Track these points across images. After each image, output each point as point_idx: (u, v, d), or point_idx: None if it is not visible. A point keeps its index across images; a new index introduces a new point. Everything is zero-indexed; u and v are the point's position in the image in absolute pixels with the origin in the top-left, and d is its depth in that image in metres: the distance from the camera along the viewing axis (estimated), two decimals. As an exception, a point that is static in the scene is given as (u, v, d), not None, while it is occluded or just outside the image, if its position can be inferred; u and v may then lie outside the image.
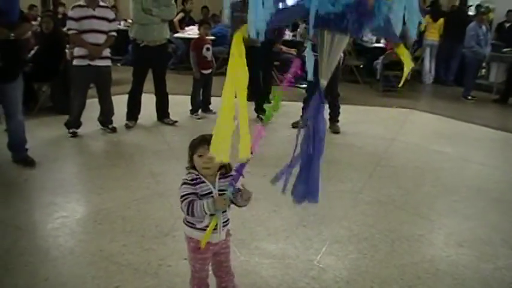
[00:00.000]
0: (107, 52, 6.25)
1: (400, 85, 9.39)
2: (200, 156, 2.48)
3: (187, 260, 2.72)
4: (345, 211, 4.45)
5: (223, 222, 2.58)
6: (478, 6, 12.29)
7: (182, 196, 2.47)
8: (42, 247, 3.65)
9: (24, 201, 4.46)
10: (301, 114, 7.08)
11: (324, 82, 2.43)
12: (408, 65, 2.54)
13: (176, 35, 10.59)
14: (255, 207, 4.33)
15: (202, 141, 2.49)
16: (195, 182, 2.48)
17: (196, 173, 2.51)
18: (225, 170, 2.55)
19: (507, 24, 11.49)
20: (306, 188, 2.66)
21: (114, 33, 6.29)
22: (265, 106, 2.47)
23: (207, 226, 2.48)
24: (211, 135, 2.29)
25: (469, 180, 5.42)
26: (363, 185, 5.07)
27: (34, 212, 4.30)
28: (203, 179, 2.49)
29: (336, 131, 6.94)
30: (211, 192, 2.48)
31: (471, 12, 12.32)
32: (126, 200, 4.46)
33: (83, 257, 3.50)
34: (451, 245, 3.95)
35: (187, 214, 2.47)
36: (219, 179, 2.52)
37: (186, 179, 2.51)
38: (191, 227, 2.57)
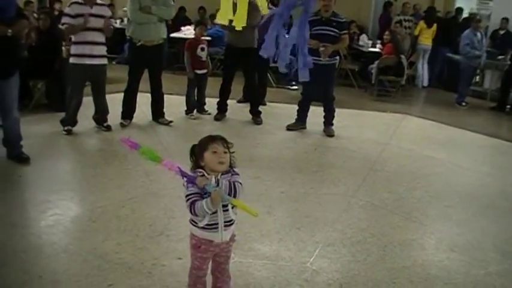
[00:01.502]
0: (103, 50, 6.25)
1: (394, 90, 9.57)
2: (214, 152, 2.51)
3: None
4: (338, 214, 4.47)
5: (226, 222, 2.61)
6: (471, 14, 12.42)
7: (186, 196, 2.52)
8: (36, 244, 3.65)
9: (19, 198, 4.47)
10: (295, 116, 7.14)
11: None
12: None
13: (172, 34, 10.58)
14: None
15: (212, 139, 2.56)
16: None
17: (201, 171, 2.53)
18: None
19: (501, 32, 11.57)
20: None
21: (112, 21, 6.31)
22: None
23: (208, 224, 2.55)
24: (217, 135, 2.50)
25: (461, 186, 5.46)
26: (357, 189, 5.10)
27: (28, 209, 4.30)
28: (207, 176, 2.51)
29: (330, 134, 6.97)
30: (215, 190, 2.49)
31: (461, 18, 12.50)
32: (120, 198, 4.47)
33: (76, 255, 3.51)
34: (443, 249, 3.99)
35: (191, 213, 2.52)
36: (222, 176, 2.54)
37: (192, 176, 2.54)
38: (194, 225, 2.63)
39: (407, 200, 4.95)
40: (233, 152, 2.62)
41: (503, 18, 11.59)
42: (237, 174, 2.59)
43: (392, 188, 5.23)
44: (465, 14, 12.72)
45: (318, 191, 5.02)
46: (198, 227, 2.60)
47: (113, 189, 4.71)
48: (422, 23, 11.34)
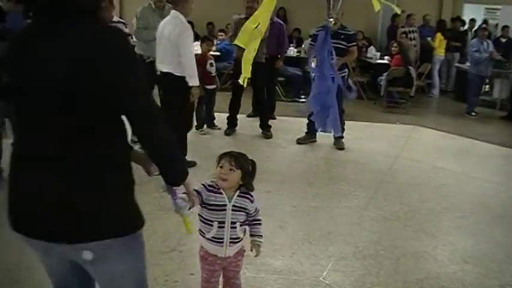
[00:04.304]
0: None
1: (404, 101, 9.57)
2: (221, 167, 2.55)
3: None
4: (350, 228, 4.47)
5: (231, 239, 2.62)
6: (471, 21, 12.48)
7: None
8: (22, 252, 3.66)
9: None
10: (305, 130, 7.14)
11: None
12: None
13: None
14: (261, 223, 4.35)
15: (225, 154, 2.59)
16: (210, 189, 2.56)
17: (217, 182, 2.58)
18: (245, 188, 2.63)
19: (503, 40, 11.61)
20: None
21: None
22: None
23: (214, 237, 2.59)
24: (237, 152, 2.57)
25: (473, 196, 5.44)
26: (368, 202, 5.09)
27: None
28: (221, 190, 2.56)
29: (340, 147, 6.97)
30: (225, 205, 2.56)
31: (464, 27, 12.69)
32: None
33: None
34: (456, 261, 3.97)
35: None
36: (238, 196, 2.60)
37: (206, 183, 2.60)
38: (202, 235, 2.65)
39: (419, 212, 4.94)
40: (250, 171, 2.63)
41: (504, 26, 11.67)
42: (256, 207, 2.68)
43: (403, 200, 5.22)
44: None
45: (330, 204, 5.02)
46: (204, 238, 2.62)
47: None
48: (439, 35, 11.46)
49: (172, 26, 5.28)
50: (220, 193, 2.56)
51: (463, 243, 4.30)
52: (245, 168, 2.58)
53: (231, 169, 2.53)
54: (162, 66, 5.47)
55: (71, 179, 1.72)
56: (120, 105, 1.74)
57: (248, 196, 2.63)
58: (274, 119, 8.23)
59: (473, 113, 9.82)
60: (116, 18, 6.29)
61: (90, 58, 1.65)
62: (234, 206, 2.57)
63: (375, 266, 3.79)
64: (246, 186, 2.62)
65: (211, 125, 7.65)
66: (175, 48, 5.22)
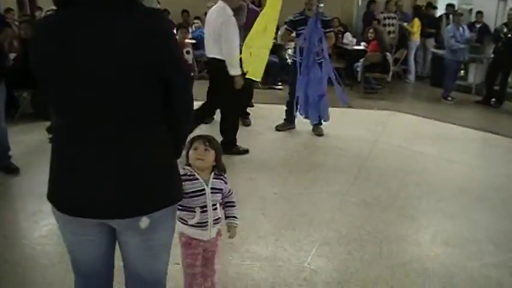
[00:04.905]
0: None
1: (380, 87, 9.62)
2: (195, 149, 2.59)
3: (181, 259, 2.74)
4: (333, 213, 4.48)
5: (214, 220, 2.66)
6: (448, 6, 12.55)
7: None
8: (30, 255, 3.62)
9: (10, 210, 4.42)
10: (284, 117, 7.13)
11: None
12: None
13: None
14: (243, 210, 4.32)
15: (198, 137, 2.64)
16: (186, 177, 2.54)
17: (191, 169, 2.60)
18: (218, 170, 2.68)
19: (477, 25, 11.74)
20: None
21: None
22: None
23: (198, 222, 2.61)
24: (203, 134, 2.65)
25: (452, 179, 5.49)
26: (349, 187, 5.11)
27: (20, 220, 4.26)
28: (197, 175, 2.58)
29: (319, 133, 6.98)
30: (203, 189, 2.58)
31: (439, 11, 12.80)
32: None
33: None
34: (438, 244, 4.01)
35: None
36: (213, 178, 2.64)
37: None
38: (183, 223, 2.65)
39: (400, 196, 4.97)
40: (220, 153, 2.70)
41: (478, 12, 11.82)
42: (229, 189, 2.76)
43: (384, 184, 5.25)
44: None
45: (311, 190, 5.02)
46: (187, 225, 2.64)
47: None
48: (417, 20, 11.55)
49: (215, 15, 5.68)
50: (196, 179, 2.58)
51: (443, 226, 4.34)
52: (218, 149, 2.66)
53: (206, 149, 2.59)
54: (209, 52, 5.89)
55: (129, 156, 1.85)
56: (167, 77, 1.86)
57: (222, 177, 2.70)
58: (252, 106, 8.20)
59: (450, 98, 9.91)
60: None
61: (144, 35, 1.77)
62: (212, 188, 2.62)
63: (358, 251, 3.81)
64: (218, 167, 2.68)
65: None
66: (219, 36, 5.60)
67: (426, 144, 6.81)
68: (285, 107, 7.22)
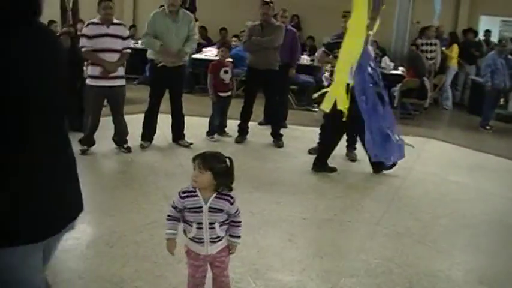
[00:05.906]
0: (121, 71, 6.22)
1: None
2: (194, 169, 2.66)
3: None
4: (362, 243, 4.34)
5: (211, 239, 2.72)
6: (487, 32, 12.37)
7: (171, 206, 2.78)
8: (51, 270, 3.56)
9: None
10: (317, 140, 7.02)
11: None
12: None
13: (194, 56, 10.57)
14: (269, 235, 4.26)
15: (196, 157, 2.69)
16: (185, 195, 2.68)
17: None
18: (223, 189, 2.70)
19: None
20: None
21: (129, 50, 6.28)
22: None
23: (194, 237, 2.73)
24: (210, 152, 2.72)
25: (489, 212, 5.29)
26: (381, 216, 4.95)
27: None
28: (197, 193, 2.67)
29: (353, 158, 6.84)
30: (201, 207, 2.66)
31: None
32: (139, 223, 4.39)
33: (92, 282, 3.43)
34: (471, 282, 3.84)
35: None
36: (215, 197, 2.68)
37: (181, 190, 2.73)
38: (184, 234, 2.80)
39: (433, 228, 4.81)
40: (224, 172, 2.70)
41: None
42: (237, 209, 2.77)
43: (417, 215, 5.08)
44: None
45: (341, 217, 4.89)
46: (187, 237, 2.76)
47: (131, 213, 4.63)
48: (456, 46, 11.38)
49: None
50: (197, 196, 2.66)
51: (478, 263, 4.16)
52: (216, 169, 2.63)
53: (200, 171, 2.62)
54: None
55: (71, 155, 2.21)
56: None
57: (227, 198, 2.70)
58: (286, 127, 8.12)
59: (488, 127, 9.67)
60: (116, 20, 6.21)
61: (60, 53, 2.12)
62: (210, 207, 2.66)
63: (387, 285, 3.66)
64: (219, 187, 2.68)
65: (222, 133, 7.55)
66: None
67: (462, 174, 6.61)
68: (319, 130, 7.10)
